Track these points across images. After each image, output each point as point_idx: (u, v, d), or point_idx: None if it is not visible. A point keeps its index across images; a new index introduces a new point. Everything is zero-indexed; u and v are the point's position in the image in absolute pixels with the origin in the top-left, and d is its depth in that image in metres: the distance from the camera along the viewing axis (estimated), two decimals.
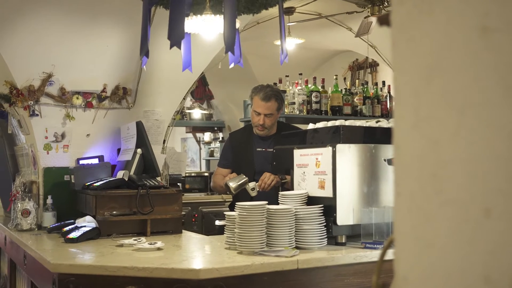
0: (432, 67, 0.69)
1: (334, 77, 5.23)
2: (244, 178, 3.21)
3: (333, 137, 2.58)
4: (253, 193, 3.19)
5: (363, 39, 5.30)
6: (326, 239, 2.47)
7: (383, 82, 5.58)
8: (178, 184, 5.01)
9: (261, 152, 3.46)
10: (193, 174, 6.29)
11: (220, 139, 8.14)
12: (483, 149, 0.62)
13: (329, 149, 2.48)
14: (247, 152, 3.49)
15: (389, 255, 0.81)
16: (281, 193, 2.64)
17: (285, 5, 4.72)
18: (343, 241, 2.53)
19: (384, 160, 2.53)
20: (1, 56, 3.23)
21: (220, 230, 3.04)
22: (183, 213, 3.41)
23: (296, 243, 2.43)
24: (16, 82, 3.31)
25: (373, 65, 6.74)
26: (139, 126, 3.33)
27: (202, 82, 7.28)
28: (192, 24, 2.77)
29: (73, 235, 2.82)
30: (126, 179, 3.10)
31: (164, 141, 3.88)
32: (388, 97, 5.31)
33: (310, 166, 2.59)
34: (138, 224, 3.03)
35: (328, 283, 2.30)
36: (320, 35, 5.93)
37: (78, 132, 3.48)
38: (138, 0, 2.87)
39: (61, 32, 3.29)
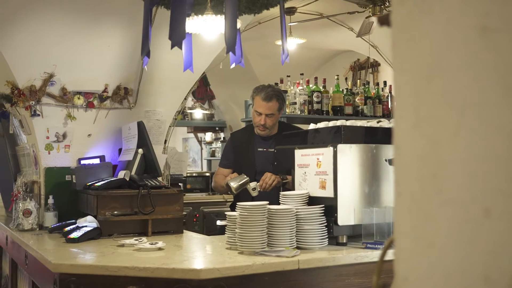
0: (432, 67, 0.69)
1: (336, 77, 5.23)
2: (245, 178, 3.21)
3: (334, 137, 2.58)
4: (254, 193, 3.19)
5: (364, 39, 5.30)
6: (327, 239, 2.47)
7: (385, 82, 5.58)
8: (180, 184, 5.01)
9: (262, 152, 3.46)
10: (194, 174, 6.30)
11: (222, 139, 8.14)
12: (483, 149, 0.62)
13: (330, 149, 2.48)
14: (248, 152, 3.49)
15: (390, 255, 0.81)
16: (282, 193, 2.64)
17: (287, 5, 4.72)
18: (344, 241, 2.53)
19: (385, 160, 2.53)
20: (3, 56, 3.23)
21: (221, 230, 3.05)
22: (184, 213, 3.41)
23: (297, 243, 2.43)
24: (17, 82, 3.31)
25: (375, 65, 6.74)
26: (140, 126, 3.33)
27: (203, 82, 7.29)
28: (193, 24, 2.77)
29: (74, 235, 2.83)
30: (127, 179, 3.11)
31: (165, 141, 3.88)
32: (389, 97, 5.31)
33: (311, 166, 2.59)
34: (139, 224, 3.03)
35: (329, 283, 2.30)
36: (321, 35, 5.93)
37: (79, 132, 3.48)
38: (140, 0, 2.87)
39: (62, 32, 3.29)
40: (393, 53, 0.74)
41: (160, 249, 2.55)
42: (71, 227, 2.97)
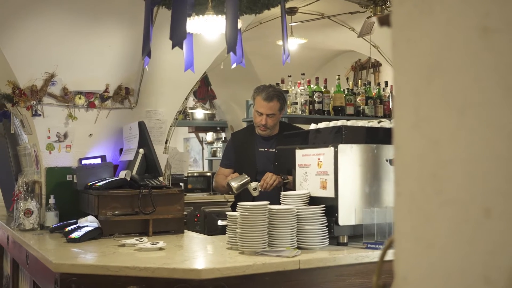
0: (432, 67, 0.69)
1: (337, 77, 5.23)
2: (246, 178, 3.21)
3: (335, 137, 2.58)
4: (255, 193, 3.19)
5: (365, 39, 5.30)
6: (328, 239, 2.47)
7: (386, 82, 5.58)
8: (181, 184, 5.01)
9: (263, 152, 3.46)
10: (195, 174, 6.30)
11: (223, 139, 8.15)
12: (483, 149, 0.62)
13: (331, 149, 2.48)
14: (249, 152, 3.49)
15: (390, 255, 0.81)
16: (283, 193, 2.64)
17: (288, 5, 4.73)
18: (345, 241, 2.53)
19: (386, 160, 2.53)
20: (4, 56, 3.23)
21: (222, 230, 3.05)
22: (185, 213, 3.41)
23: (297, 243, 2.43)
24: (18, 82, 3.32)
25: (376, 65, 6.74)
26: (142, 126, 3.33)
27: (204, 82, 7.29)
28: (194, 24, 2.77)
29: (75, 235, 2.83)
30: (128, 179, 3.11)
31: (166, 141, 3.88)
32: (390, 97, 5.31)
33: (312, 166, 2.59)
34: (140, 224, 3.03)
35: (329, 283, 2.30)
36: (322, 35, 5.93)
37: (80, 132, 3.49)
38: (140, 0, 2.87)
39: (63, 32, 3.29)
40: (393, 53, 0.74)
41: (161, 249, 2.55)
42: (72, 227, 2.97)
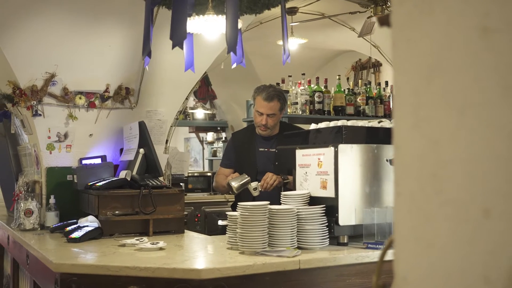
0: (432, 67, 0.69)
1: (337, 77, 5.23)
2: (246, 178, 3.22)
3: (335, 137, 2.58)
4: (255, 193, 3.19)
5: (366, 39, 5.30)
6: (328, 239, 2.47)
7: (386, 82, 5.57)
8: (181, 184, 5.01)
9: (263, 152, 3.46)
10: (196, 174, 6.30)
11: (223, 139, 8.15)
12: (483, 149, 0.62)
13: (331, 149, 2.48)
14: (250, 152, 3.49)
15: (390, 255, 0.81)
16: (283, 193, 2.64)
17: (288, 5, 4.73)
18: (345, 241, 2.53)
19: (387, 160, 2.53)
20: (4, 56, 3.23)
21: (223, 230, 3.05)
22: (186, 213, 3.41)
23: (298, 243, 2.43)
24: (19, 82, 3.32)
25: (376, 65, 6.74)
26: (142, 126, 3.33)
27: (205, 82, 7.29)
28: (195, 24, 2.77)
29: (76, 234, 2.83)
30: (129, 179, 3.11)
31: (166, 141, 3.88)
32: (391, 97, 5.31)
33: (312, 166, 2.59)
34: (140, 224, 3.03)
35: (330, 283, 2.30)
36: (323, 35, 5.93)
37: (81, 132, 3.49)
38: (141, 0, 2.87)
39: (63, 32, 3.29)
40: (393, 53, 0.74)
41: (161, 249, 2.55)
42: (73, 227, 2.97)
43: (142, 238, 2.73)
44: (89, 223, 2.94)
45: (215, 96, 7.74)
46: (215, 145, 8.69)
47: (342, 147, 2.46)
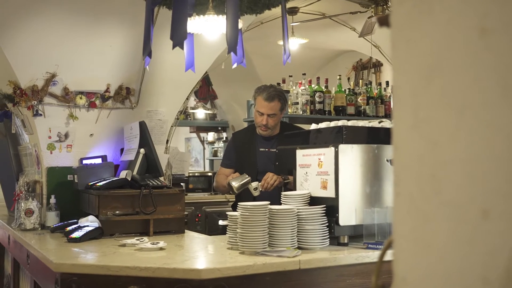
0: (432, 67, 0.68)
1: (338, 77, 5.23)
2: (247, 178, 3.22)
3: (335, 138, 2.58)
4: (256, 193, 3.19)
5: (366, 39, 5.29)
6: (328, 239, 2.47)
7: (387, 82, 5.57)
8: (182, 184, 5.01)
9: (264, 152, 3.46)
10: (196, 174, 6.30)
11: (224, 139, 8.14)
12: (482, 150, 0.62)
13: (331, 150, 2.48)
14: (250, 152, 3.49)
15: (390, 255, 0.81)
16: (283, 193, 2.64)
17: (289, 5, 4.72)
18: (345, 241, 2.53)
19: (387, 160, 2.53)
20: (5, 56, 3.23)
21: (223, 230, 3.05)
22: (186, 213, 3.41)
23: (298, 243, 2.43)
24: (19, 82, 3.32)
25: (377, 65, 6.73)
26: (142, 126, 3.33)
27: (205, 82, 7.28)
28: (195, 24, 2.77)
29: (76, 234, 2.83)
30: (129, 179, 3.11)
31: (167, 141, 3.88)
32: (391, 97, 5.30)
33: (312, 166, 2.59)
34: (140, 224, 3.03)
35: (330, 283, 2.30)
36: (323, 35, 5.93)
37: (81, 132, 3.49)
38: (141, 0, 2.87)
39: (64, 32, 3.29)
40: (393, 53, 0.74)
41: (161, 249, 2.55)
42: (73, 226, 2.98)
43: (142, 238, 2.73)
44: (90, 223, 2.94)
45: (216, 96, 7.73)
46: (216, 145, 8.69)
47: (342, 147, 2.46)
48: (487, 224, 0.61)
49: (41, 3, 3.15)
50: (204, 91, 7.64)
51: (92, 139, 3.53)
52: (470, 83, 0.64)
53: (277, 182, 3.20)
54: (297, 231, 2.44)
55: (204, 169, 8.98)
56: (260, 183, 3.22)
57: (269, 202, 2.47)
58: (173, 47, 2.52)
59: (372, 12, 4.66)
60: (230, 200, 5.15)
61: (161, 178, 3.29)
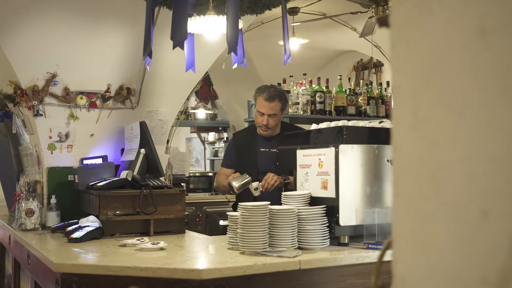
0: (431, 67, 0.68)
1: (339, 77, 5.22)
2: (247, 178, 3.22)
3: (336, 138, 2.58)
4: (256, 193, 3.20)
5: (367, 39, 5.29)
6: (329, 239, 2.47)
7: (388, 83, 5.57)
8: (182, 184, 5.02)
9: (264, 153, 3.46)
10: (197, 174, 6.30)
11: (225, 139, 8.14)
12: (482, 150, 0.62)
13: (331, 150, 2.48)
14: (251, 152, 3.49)
15: (390, 256, 0.81)
16: (284, 193, 2.64)
17: (290, 5, 4.72)
18: (346, 241, 2.53)
19: (387, 160, 2.53)
20: (5, 56, 3.24)
21: (224, 230, 3.06)
22: (187, 213, 3.41)
23: (298, 244, 2.43)
24: (20, 82, 3.32)
25: (378, 65, 6.73)
26: (143, 126, 3.33)
27: (206, 82, 7.28)
28: (196, 24, 2.77)
29: (77, 235, 2.83)
30: (130, 179, 3.11)
31: (167, 141, 3.88)
32: (392, 98, 5.30)
33: (313, 167, 2.59)
34: (141, 224, 3.03)
35: (330, 283, 2.30)
36: (324, 35, 5.92)
37: (82, 132, 3.49)
38: (141, 0, 2.87)
39: (65, 32, 3.29)
40: (392, 53, 0.74)
41: (161, 249, 2.55)
42: (73, 227, 2.98)
43: (143, 238, 2.73)
44: (90, 223, 2.95)
45: (216, 96, 7.73)
46: (217, 145, 8.68)
47: (342, 147, 2.46)
48: (486, 224, 0.61)
49: (41, 3, 3.15)
50: (205, 91, 7.64)
51: (93, 139, 3.53)
52: (470, 83, 0.64)
53: (278, 183, 3.20)
54: (298, 231, 2.44)
55: (205, 169, 8.98)
56: (260, 183, 3.22)
57: (269, 202, 2.47)
58: (174, 47, 2.52)
59: (372, 12, 4.66)
60: (230, 200, 5.15)
61: (162, 178, 3.29)
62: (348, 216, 2.46)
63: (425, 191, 0.68)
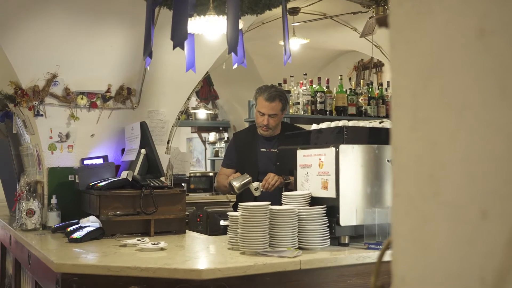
0: (431, 68, 0.68)
1: (339, 77, 5.22)
2: (247, 178, 3.22)
3: (336, 138, 2.58)
4: (257, 193, 3.20)
5: (368, 39, 5.29)
6: (329, 239, 2.47)
7: (388, 83, 5.57)
8: (183, 184, 5.02)
9: (265, 153, 3.46)
10: (198, 174, 6.30)
11: (225, 139, 8.14)
12: (481, 151, 0.62)
13: (332, 150, 2.48)
14: (251, 153, 3.49)
15: (389, 256, 0.81)
16: (284, 193, 2.64)
17: (290, 5, 4.72)
18: (346, 241, 2.53)
19: (388, 160, 2.53)
20: (6, 56, 3.24)
21: (224, 230, 3.06)
22: (187, 213, 3.41)
23: (299, 244, 2.43)
24: (21, 82, 3.32)
25: (378, 65, 6.73)
26: (143, 127, 3.34)
27: (207, 82, 7.28)
28: (196, 24, 2.77)
29: (77, 235, 2.83)
30: (130, 179, 3.11)
31: (168, 141, 3.88)
32: (392, 98, 5.30)
33: (313, 167, 2.59)
34: (141, 224, 3.03)
35: (330, 283, 2.30)
36: (325, 35, 5.92)
37: (82, 132, 3.49)
38: (142, 0, 2.87)
39: (65, 32, 3.30)
40: (392, 54, 0.74)
41: (162, 249, 2.55)
42: (74, 227, 2.98)
43: (143, 238, 2.73)
44: (91, 223, 2.95)
45: (217, 96, 7.73)
46: (217, 145, 8.69)
47: (343, 147, 2.46)
48: (486, 225, 0.61)
49: (41, 3, 3.15)
50: (206, 91, 7.64)
51: (93, 140, 3.53)
52: (469, 84, 0.64)
53: (278, 183, 3.20)
54: (298, 232, 2.44)
55: (206, 169, 8.99)
56: (261, 183, 3.22)
57: (269, 202, 2.47)
58: (174, 47, 2.52)
59: (373, 12, 4.66)
60: (231, 200, 5.15)
61: (162, 179, 3.29)
62: (349, 216, 2.46)
63: (424, 191, 0.68)
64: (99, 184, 3.08)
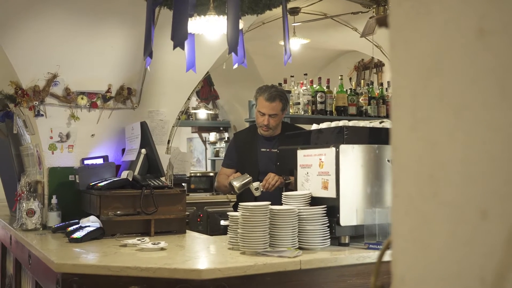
0: (430, 68, 0.68)
1: (339, 77, 5.22)
2: (248, 178, 3.22)
3: (336, 138, 2.58)
4: (257, 193, 3.20)
5: (368, 39, 5.29)
6: (329, 239, 2.47)
7: (388, 83, 5.57)
8: (184, 184, 5.02)
9: (265, 153, 3.46)
10: (198, 174, 6.30)
11: (226, 139, 8.15)
12: (481, 151, 0.62)
13: (332, 150, 2.48)
14: (252, 153, 3.49)
15: (389, 256, 0.81)
16: (284, 193, 2.64)
17: (291, 5, 4.72)
18: (346, 241, 2.53)
19: (388, 160, 2.53)
20: (6, 56, 3.24)
21: (225, 230, 3.06)
22: (188, 213, 3.42)
23: (299, 244, 2.43)
24: (21, 82, 3.32)
25: (379, 65, 6.73)
26: (144, 127, 3.34)
27: (207, 82, 7.29)
28: (196, 24, 2.77)
29: (77, 235, 2.83)
30: (130, 179, 3.11)
31: (168, 141, 3.88)
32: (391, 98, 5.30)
33: (313, 167, 2.59)
34: (142, 224, 3.04)
35: (331, 283, 2.30)
36: (325, 35, 5.93)
37: (83, 132, 3.49)
38: (143, 0, 2.88)
39: (65, 32, 3.30)
40: (391, 54, 0.74)
41: (162, 249, 2.55)
42: (74, 227, 2.98)
43: (143, 238, 2.73)
44: (91, 223, 2.95)
45: (217, 96, 7.73)
46: (218, 145, 8.69)
47: (343, 147, 2.46)
48: (485, 225, 0.61)
49: (42, 3, 3.16)
50: (206, 91, 7.65)
51: (94, 140, 3.53)
52: (468, 84, 0.64)
53: (279, 183, 3.20)
54: (298, 231, 2.44)
55: (206, 169, 8.99)
56: (261, 183, 3.22)
57: (270, 202, 2.47)
58: (174, 47, 2.52)
59: (373, 12, 4.66)
60: (231, 200, 5.15)
61: (162, 179, 3.29)
62: (349, 216, 2.46)
63: (424, 191, 0.68)
64: (99, 184, 3.08)
